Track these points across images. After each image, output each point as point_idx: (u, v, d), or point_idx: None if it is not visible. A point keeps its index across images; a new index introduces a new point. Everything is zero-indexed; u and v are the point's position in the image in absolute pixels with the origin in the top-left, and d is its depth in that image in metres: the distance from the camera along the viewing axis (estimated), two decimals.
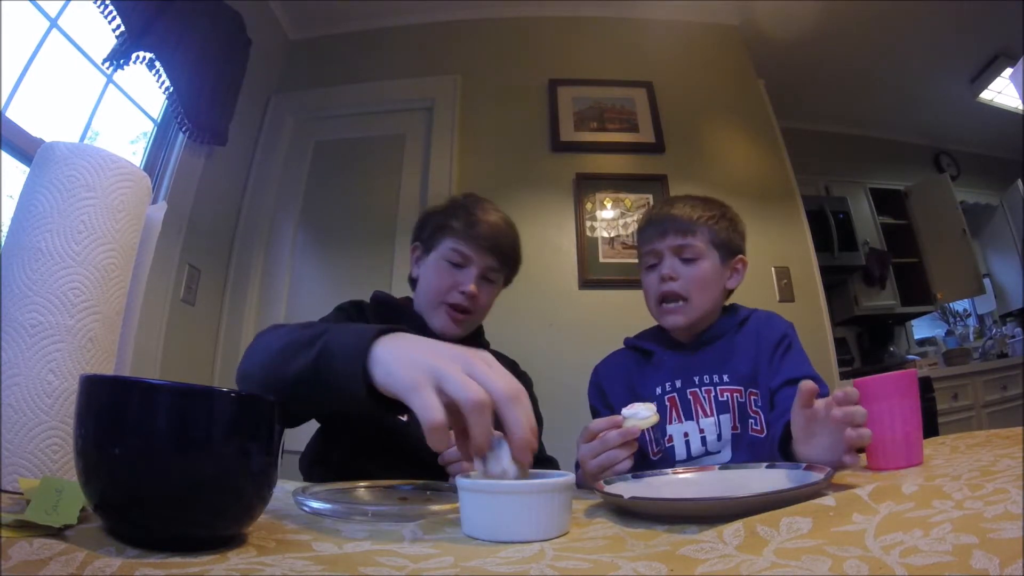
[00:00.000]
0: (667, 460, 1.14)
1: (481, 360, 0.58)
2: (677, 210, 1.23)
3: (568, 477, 0.57)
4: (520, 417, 0.55)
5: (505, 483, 0.54)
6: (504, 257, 1.28)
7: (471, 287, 1.21)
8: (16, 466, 0.61)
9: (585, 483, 0.91)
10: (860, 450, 0.76)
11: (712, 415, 1.13)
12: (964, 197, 4.46)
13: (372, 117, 3.08)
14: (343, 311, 1.23)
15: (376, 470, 0.97)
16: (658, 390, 1.19)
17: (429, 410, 0.54)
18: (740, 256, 1.27)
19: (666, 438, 1.15)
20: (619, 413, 0.91)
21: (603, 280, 2.67)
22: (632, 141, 2.94)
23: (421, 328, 1.22)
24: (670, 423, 1.15)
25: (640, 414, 0.89)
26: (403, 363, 0.58)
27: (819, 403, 0.77)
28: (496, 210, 1.29)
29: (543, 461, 1.23)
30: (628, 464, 0.88)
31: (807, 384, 0.78)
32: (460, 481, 0.56)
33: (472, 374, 0.56)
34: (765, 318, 1.25)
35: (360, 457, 1.10)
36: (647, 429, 0.96)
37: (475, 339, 1.33)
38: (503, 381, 0.56)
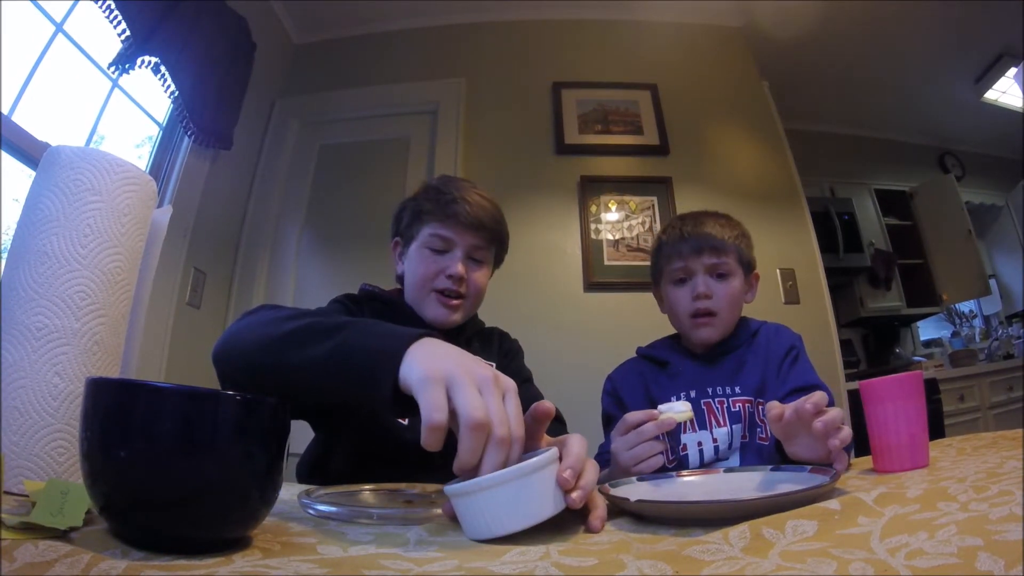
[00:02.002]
0: (680, 469, 1.14)
1: (498, 387, 0.57)
2: (710, 228, 1.25)
3: (548, 453, 0.56)
4: (497, 464, 0.54)
5: (486, 477, 0.53)
6: (488, 234, 1.20)
7: (458, 268, 1.15)
8: (22, 468, 0.61)
9: (613, 478, 0.91)
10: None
11: (725, 425, 1.16)
12: (969, 198, 4.44)
13: (377, 121, 3.09)
14: (342, 304, 1.19)
15: (377, 475, 0.96)
16: (674, 399, 1.20)
17: (433, 409, 0.53)
18: (755, 271, 1.31)
19: (680, 447, 1.16)
20: None
21: (608, 283, 2.67)
22: (636, 143, 2.93)
23: (414, 320, 1.18)
24: (685, 432, 1.16)
25: (676, 408, 0.90)
26: (424, 361, 0.57)
27: (787, 412, 0.79)
28: (473, 187, 1.22)
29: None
30: (662, 459, 0.89)
31: (772, 410, 0.81)
32: (446, 489, 0.56)
33: (483, 395, 0.55)
34: (774, 331, 1.28)
35: (360, 462, 1.08)
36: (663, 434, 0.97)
37: (472, 326, 1.29)
38: (503, 415, 0.55)
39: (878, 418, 0.77)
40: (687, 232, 1.26)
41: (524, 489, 0.53)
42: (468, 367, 0.57)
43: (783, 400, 1.12)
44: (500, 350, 1.31)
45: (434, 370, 0.56)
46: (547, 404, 0.64)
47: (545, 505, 0.54)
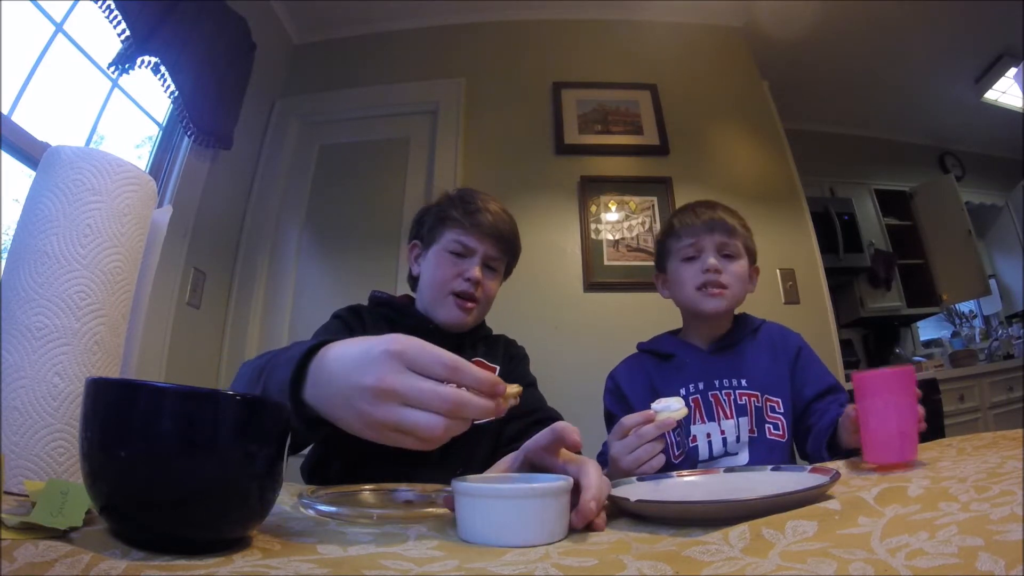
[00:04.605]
0: (690, 460, 1.18)
1: (384, 397, 0.56)
2: (721, 213, 1.30)
3: (567, 481, 0.56)
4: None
5: (496, 487, 0.54)
6: (505, 245, 1.27)
7: (475, 271, 1.21)
8: (22, 468, 0.61)
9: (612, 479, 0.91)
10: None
11: (732, 417, 1.18)
12: (969, 198, 4.45)
13: (376, 121, 3.09)
14: (340, 319, 1.21)
15: (378, 475, 0.97)
16: (682, 391, 1.23)
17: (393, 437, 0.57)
18: (756, 265, 1.35)
19: (690, 438, 1.18)
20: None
21: (608, 283, 2.66)
22: (636, 143, 2.93)
23: (424, 324, 1.22)
24: (694, 423, 1.19)
25: (672, 406, 0.89)
26: (330, 401, 0.58)
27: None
28: (494, 200, 1.28)
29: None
30: (663, 459, 0.89)
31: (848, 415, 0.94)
32: (455, 483, 0.56)
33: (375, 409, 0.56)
34: (778, 331, 1.32)
35: (360, 462, 1.09)
36: (670, 431, 0.96)
37: (479, 331, 1.33)
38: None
39: (869, 411, 0.79)
40: (701, 214, 1.30)
41: (530, 509, 0.53)
42: (347, 397, 0.56)
43: (813, 401, 1.21)
44: (505, 355, 1.33)
45: (349, 414, 0.57)
46: (575, 437, 0.64)
47: (545, 530, 0.53)
